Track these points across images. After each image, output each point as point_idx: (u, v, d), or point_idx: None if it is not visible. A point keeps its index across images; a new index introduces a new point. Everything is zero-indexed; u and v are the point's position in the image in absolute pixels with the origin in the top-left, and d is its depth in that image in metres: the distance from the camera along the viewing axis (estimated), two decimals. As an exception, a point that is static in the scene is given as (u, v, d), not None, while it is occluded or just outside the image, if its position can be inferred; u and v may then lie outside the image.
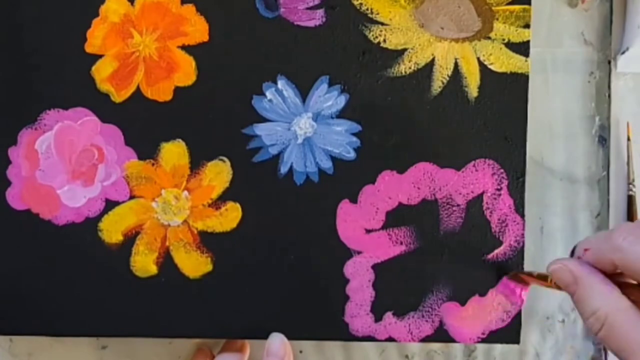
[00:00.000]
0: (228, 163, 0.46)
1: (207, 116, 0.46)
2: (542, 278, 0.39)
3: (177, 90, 0.46)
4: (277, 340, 0.44)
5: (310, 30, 0.46)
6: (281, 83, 0.46)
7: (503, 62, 0.46)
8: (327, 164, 0.46)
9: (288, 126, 0.46)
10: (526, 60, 0.46)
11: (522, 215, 0.46)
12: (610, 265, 0.30)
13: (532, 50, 0.46)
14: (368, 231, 0.46)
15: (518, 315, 0.46)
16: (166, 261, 0.46)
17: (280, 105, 0.46)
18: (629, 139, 0.48)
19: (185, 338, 0.47)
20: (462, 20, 0.46)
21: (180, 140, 0.46)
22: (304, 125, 0.46)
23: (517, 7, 0.46)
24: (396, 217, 0.46)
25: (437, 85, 0.46)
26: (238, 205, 0.46)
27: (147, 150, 0.46)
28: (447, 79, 0.46)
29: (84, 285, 0.45)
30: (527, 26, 0.46)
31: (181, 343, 0.48)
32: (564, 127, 0.48)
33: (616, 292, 0.30)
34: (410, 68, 0.46)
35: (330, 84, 0.46)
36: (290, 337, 0.46)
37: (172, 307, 0.46)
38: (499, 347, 0.48)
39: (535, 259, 0.48)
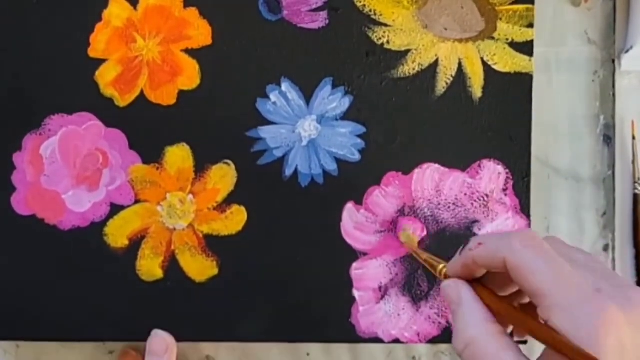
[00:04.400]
0: (233, 166, 0.46)
1: (211, 119, 0.46)
2: (432, 265, 0.38)
3: (181, 93, 0.46)
4: (156, 339, 0.44)
5: (314, 32, 0.46)
6: (285, 85, 0.46)
7: (507, 62, 0.46)
8: (331, 166, 0.46)
9: (292, 128, 0.46)
10: (530, 60, 0.46)
11: (528, 215, 0.46)
12: (499, 263, 0.31)
13: (535, 49, 0.46)
14: (373, 232, 0.46)
15: (525, 315, 0.46)
16: (172, 265, 0.46)
17: (284, 107, 0.46)
18: (634, 138, 0.48)
19: (192, 342, 0.47)
20: (465, 21, 0.46)
21: (184, 143, 0.46)
22: (308, 128, 0.46)
23: (520, 6, 0.46)
24: (401, 218, 0.46)
25: (441, 85, 0.46)
26: (243, 208, 0.46)
27: (151, 154, 0.46)
28: (451, 79, 0.46)
29: (90, 290, 0.45)
30: (530, 26, 0.46)
31: (188, 347, 0.48)
32: (569, 127, 0.48)
33: (490, 318, 0.31)
34: (414, 69, 0.46)
35: (334, 86, 0.46)
36: (297, 340, 0.46)
37: (178, 311, 0.46)
38: (506, 348, 0.48)
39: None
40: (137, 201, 0.46)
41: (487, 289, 0.33)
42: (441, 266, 0.36)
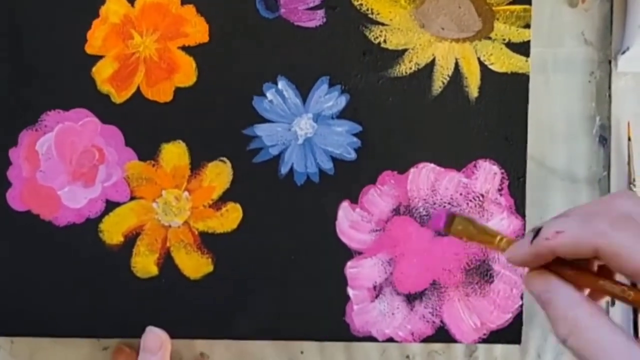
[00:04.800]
0: (228, 164, 0.46)
1: (208, 117, 0.46)
2: (489, 237, 0.35)
3: (178, 91, 0.46)
4: (151, 336, 0.44)
5: (311, 30, 0.46)
6: (281, 83, 0.46)
7: (503, 62, 0.46)
8: (327, 165, 0.46)
9: (288, 127, 0.46)
10: (527, 60, 0.46)
11: (523, 215, 0.46)
12: (590, 250, 0.29)
13: (532, 50, 0.46)
14: (368, 231, 0.46)
15: (519, 315, 0.46)
16: (167, 262, 0.46)
17: (280, 105, 0.46)
18: (629, 139, 0.48)
19: (186, 339, 0.47)
20: (462, 21, 0.46)
21: (180, 141, 0.46)
22: (304, 126, 0.46)
23: (517, 7, 0.46)
24: (396, 217, 0.46)
25: (437, 85, 0.46)
26: (238, 205, 0.46)
27: (147, 151, 0.46)
28: (448, 79, 0.46)
29: (84, 286, 0.45)
30: (527, 26, 0.46)
31: (182, 344, 0.48)
32: (565, 127, 0.48)
33: (588, 300, 0.30)
34: (410, 68, 0.46)
35: (331, 85, 0.46)
36: (291, 338, 0.46)
37: (173, 308, 0.46)
38: (499, 347, 0.48)
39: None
40: (132, 198, 0.46)
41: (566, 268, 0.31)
42: (498, 238, 0.34)
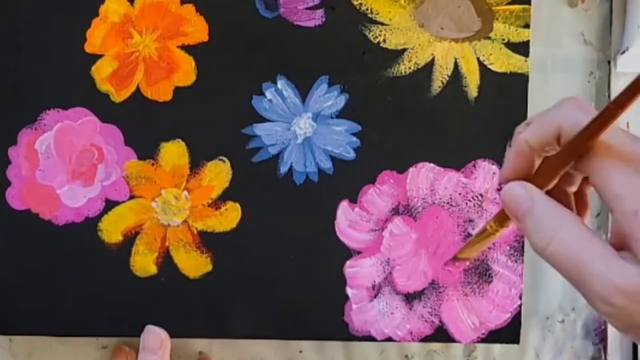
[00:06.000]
0: (228, 163, 0.46)
1: (207, 116, 0.46)
2: (478, 238, 0.37)
3: (177, 90, 0.46)
4: (151, 335, 0.45)
5: (310, 30, 0.46)
6: (281, 83, 0.46)
7: (503, 62, 0.46)
8: (326, 164, 0.46)
9: (288, 126, 0.46)
10: (526, 60, 0.46)
11: (522, 215, 0.46)
12: (554, 130, 0.30)
13: (531, 50, 0.46)
14: (367, 231, 0.46)
15: (518, 315, 0.46)
16: (166, 261, 0.46)
17: (280, 105, 0.46)
18: (628, 139, 0.48)
19: (185, 338, 0.47)
20: (462, 20, 0.46)
21: (180, 140, 0.46)
22: (303, 125, 0.46)
23: (517, 7, 0.46)
24: (396, 216, 0.46)
25: (437, 85, 0.46)
26: (238, 205, 0.46)
27: (147, 150, 0.46)
28: (447, 79, 0.46)
29: (83, 285, 0.45)
30: (527, 26, 0.46)
31: (181, 343, 0.48)
32: (564, 127, 0.48)
33: (569, 212, 0.30)
34: (410, 68, 0.46)
35: (330, 84, 0.46)
36: (290, 337, 0.46)
37: (172, 307, 0.46)
38: (498, 347, 0.48)
39: (535, 259, 0.48)
40: (132, 197, 0.46)
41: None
42: (489, 224, 0.35)
